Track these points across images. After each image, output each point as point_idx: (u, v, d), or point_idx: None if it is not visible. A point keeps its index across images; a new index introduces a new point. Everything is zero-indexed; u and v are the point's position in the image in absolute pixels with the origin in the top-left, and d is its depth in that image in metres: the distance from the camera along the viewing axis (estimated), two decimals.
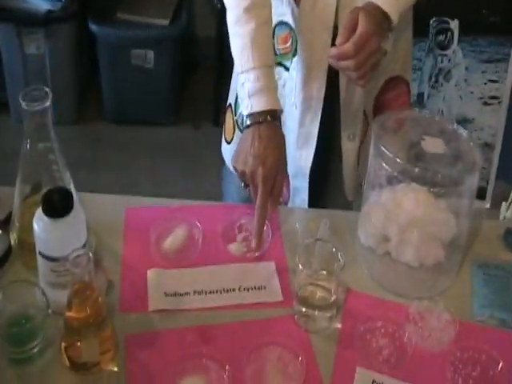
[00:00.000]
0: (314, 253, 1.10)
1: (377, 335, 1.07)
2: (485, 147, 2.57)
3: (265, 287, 1.13)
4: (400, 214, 1.16)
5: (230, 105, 1.47)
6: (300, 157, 1.37)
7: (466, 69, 2.50)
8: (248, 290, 1.13)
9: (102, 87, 2.92)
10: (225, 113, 1.50)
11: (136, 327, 1.06)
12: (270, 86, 1.20)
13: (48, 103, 1.04)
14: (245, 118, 1.22)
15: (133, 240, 1.20)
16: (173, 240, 1.19)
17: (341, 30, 1.14)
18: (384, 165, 1.11)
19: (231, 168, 1.51)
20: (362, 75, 1.15)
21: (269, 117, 1.20)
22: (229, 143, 1.49)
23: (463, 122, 2.58)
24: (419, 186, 1.11)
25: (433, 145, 1.12)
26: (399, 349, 1.05)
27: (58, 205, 1.00)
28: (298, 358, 1.01)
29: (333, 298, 1.07)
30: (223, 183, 1.64)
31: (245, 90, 1.20)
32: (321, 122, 1.35)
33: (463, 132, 1.15)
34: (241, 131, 1.26)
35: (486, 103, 2.54)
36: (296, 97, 1.31)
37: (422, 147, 1.12)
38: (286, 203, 1.49)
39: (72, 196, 1.02)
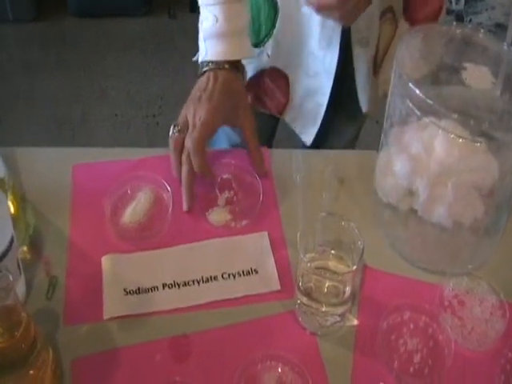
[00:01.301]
0: (320, 228, 0.80)
1: (404, 334, 0.79)
2: (496, 28, 2.20)
3: (256, 271, 0.84)
4: (429, 160, 0.85)
5: None
6: (324, 57, 1.04)
7: None
8: (234, 276, 0.83)
9: None
10: None
11: (86, 346, 0.76)
12: (229, 29, 0.93)
13: None
14: (199, 65, 0.95)
15: (82, 213, 0.88)
16: (134, 211, 0.88)
17: None
18: (410, 105, 0.79)
19: None
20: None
21: (227, 65, 0.93)
22: None
23: (473, 0, 2.19)
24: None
25: (477, 76, 0.79)
26: (434, 352, 0.77)
27: None
28: (304, 376, 0.74)
29: (347, 290, 0.78)
30: None
31: (201, 31, 0.95)
32: None
33: None
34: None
35: None
36: None
37: (462, 79, 0.79)
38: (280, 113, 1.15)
39: None
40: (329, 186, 0.93)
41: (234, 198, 0.91)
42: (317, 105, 1.11)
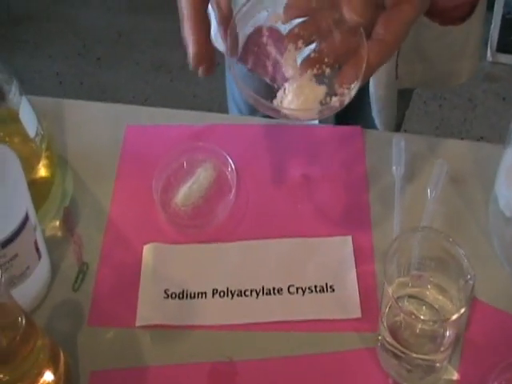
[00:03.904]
0: (419, 244, 0.56)
1: None
2: None
3: (333, 289, 0.61)
4: None
5: None
6: None
7: None
8: (304, 291, 0.61)
9: None
10: None
11: (110, 356, 0.58)
12: None
13: None
14: None
15: (127, 187, 0.68)
16: (190, 190, 0.67)
17: None
18: None
19: None
20: None
21: None
22: None
23: None
24: None
25: None
26: None
27: None
28: None
29: (448, 335, 0.54)
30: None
31: None
32: None
33: None
34: None
35: None
36: None
37: None
38: None
39: None
40: (435, 185, 0.68)
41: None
42: None
